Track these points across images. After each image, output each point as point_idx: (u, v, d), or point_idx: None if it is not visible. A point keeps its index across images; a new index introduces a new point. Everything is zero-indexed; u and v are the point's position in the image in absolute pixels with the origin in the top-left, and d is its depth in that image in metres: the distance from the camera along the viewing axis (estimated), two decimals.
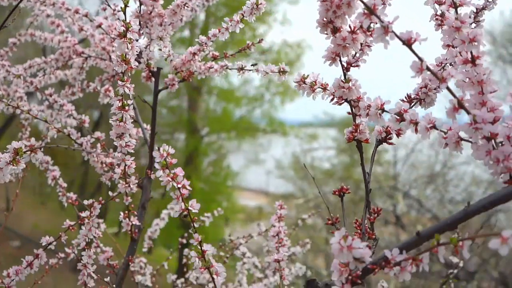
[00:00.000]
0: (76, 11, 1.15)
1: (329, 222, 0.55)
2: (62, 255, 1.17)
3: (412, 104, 0.73)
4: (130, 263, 1.03)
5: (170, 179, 0.65)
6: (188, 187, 0.66)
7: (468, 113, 0.54)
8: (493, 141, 0.55)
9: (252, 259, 1.48)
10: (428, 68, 0.53)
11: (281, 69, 0.90)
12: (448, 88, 0.54)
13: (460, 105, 0.54)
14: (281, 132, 11.66)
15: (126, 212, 1.00)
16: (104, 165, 1.05)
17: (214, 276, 0.68)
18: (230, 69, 1.01)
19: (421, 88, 0.72)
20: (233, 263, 1.47)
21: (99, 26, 1.06)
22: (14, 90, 1.37)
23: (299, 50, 9.99)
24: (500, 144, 0.55)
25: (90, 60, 1.27)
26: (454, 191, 6.97)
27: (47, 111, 1.29)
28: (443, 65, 0.74)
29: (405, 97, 0.73)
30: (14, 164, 0.71)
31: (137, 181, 0.95)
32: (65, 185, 1.14)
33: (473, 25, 0.76)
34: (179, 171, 0.66)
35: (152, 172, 0.99)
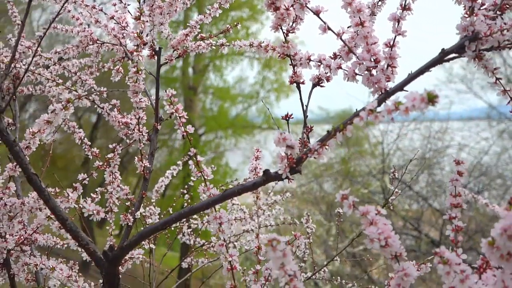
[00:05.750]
0: (93, 7, 1.48)
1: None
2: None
3: (337, 59, 1.06)
4: (143, 196, 1.36)
5: (174, 111, 0.99)
6: (186, 116, 0.99)
7: (355, 54, 0.87)
8: (374, 72, 0.89)
9: (241, 207, 1.81)
10: (328, 28, 0.87)
11: (251, 43, 1.22)
12: (342, 40, 0.87)
13: (349, 50, 0.87)
14: (277, 128, 11.95)
15: (140, 156, 1.33)
16: (120, 124, 1.38)
17: (205, 176, 1.01)
18: (214, 46, 1.34)
19: (343, 47, 1.05)
20: None
21: (112, 17, 1.38)
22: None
23: None
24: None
25: (104, 46, 1.59)
26: (441, 174, 7.33)
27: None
28: None
29: (332, 54, 1.06)
30: (65, 110, 1.04)
31: (147, 131, 1.28)
32: (89, 143, 1.47)
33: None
34: (180, 106, 0.99)
35: (159, 125, 1.31)
